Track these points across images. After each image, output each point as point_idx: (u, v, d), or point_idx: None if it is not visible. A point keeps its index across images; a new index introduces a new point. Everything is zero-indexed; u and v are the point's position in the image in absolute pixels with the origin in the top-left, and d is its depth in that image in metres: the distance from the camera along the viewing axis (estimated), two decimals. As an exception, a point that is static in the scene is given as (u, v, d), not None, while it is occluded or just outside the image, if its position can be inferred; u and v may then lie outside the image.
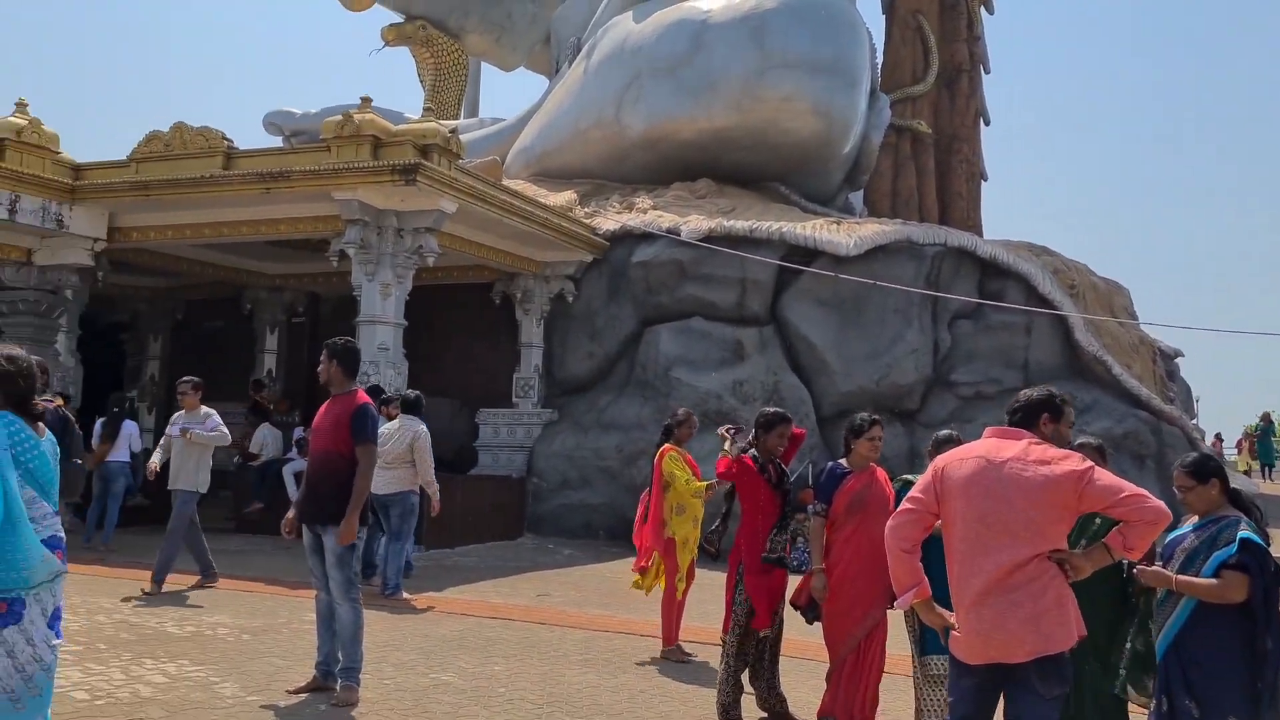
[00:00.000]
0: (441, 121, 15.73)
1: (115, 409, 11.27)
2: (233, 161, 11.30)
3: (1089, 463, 3.25)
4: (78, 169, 11.85)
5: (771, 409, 5.56)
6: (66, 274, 12.19)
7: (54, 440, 3.55)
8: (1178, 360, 16.02)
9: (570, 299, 14.08)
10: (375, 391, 8.72)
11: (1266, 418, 25.75)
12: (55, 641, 3.44)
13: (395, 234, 11.13)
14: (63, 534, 3.55)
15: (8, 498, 3.24)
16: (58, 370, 10.93)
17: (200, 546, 8.60)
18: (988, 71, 20.31)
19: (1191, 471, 3.93)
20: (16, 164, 11.17)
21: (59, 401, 6.61)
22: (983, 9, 20.03)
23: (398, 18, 22.77)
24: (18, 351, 3.45)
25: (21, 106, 11.63)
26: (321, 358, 5.43)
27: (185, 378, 8.66)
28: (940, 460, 3.47)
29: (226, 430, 8.63)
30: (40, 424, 3.46)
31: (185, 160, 11.36)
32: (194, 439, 8.29)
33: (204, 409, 8.54)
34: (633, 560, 7.13)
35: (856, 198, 18.16)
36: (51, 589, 3.49)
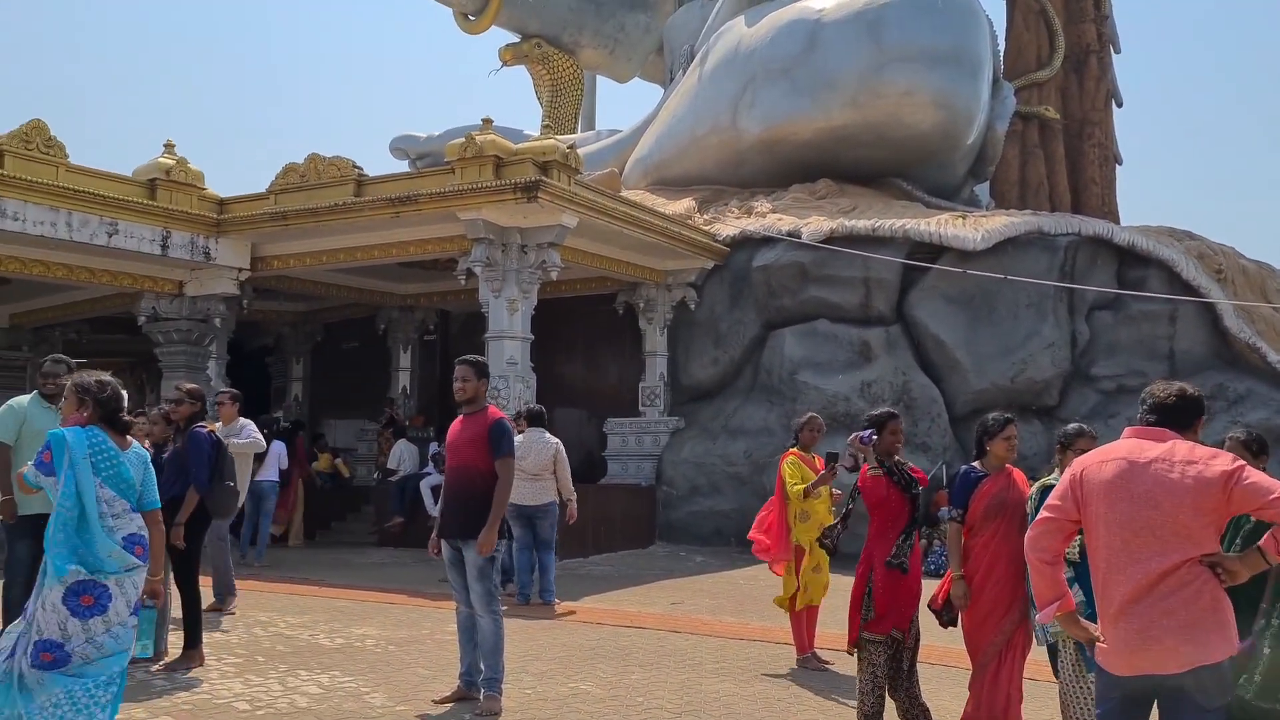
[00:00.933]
0: (559, 136, 16.02)
1: (265, 430, 11.84)
2: (363, 188, 11.75)
3: (1240, 461, 3.10)
4: (222, 203, 12.51)
5: (879, 409, 5.46)
6: (215, 303, 12.88)
7: (142, 451, 4.32)
8: (1341, 343, 15.01)
9: (693, 306, 14.11)
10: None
11: None
12: (131, 620, 4.12)
13: (519, 250, 11.37)
14: (144, 532, 4.18)
15: (82, 498, 3.98)
16: (209, 395, 11.53)
17: (224, 564, 8.22)
18: (1118, 51, 19.50)
19: None
20: (167, 201, 11.87)
21: (213, 426, 7.00)
22: (1111, -14, 19.27)
23: (514, 37, 23.27)
24: (107, 377, 4.27)
25: (169, 148, 12.35)
26: (462, 374, 5.57)
27: (222, 389, 8.94)
28: (1078, 463, 3.34)
29: (260, 437, 8.85)
30: (127, 437, 4.24)
31: (319, 190, 11.88)
32: (232, 449, 7.90)
33: (240, 420, 8.72)
34: (766, 566, 7.11)
35: (983, 190, 17.67)
36: (133, 579, 4.11)
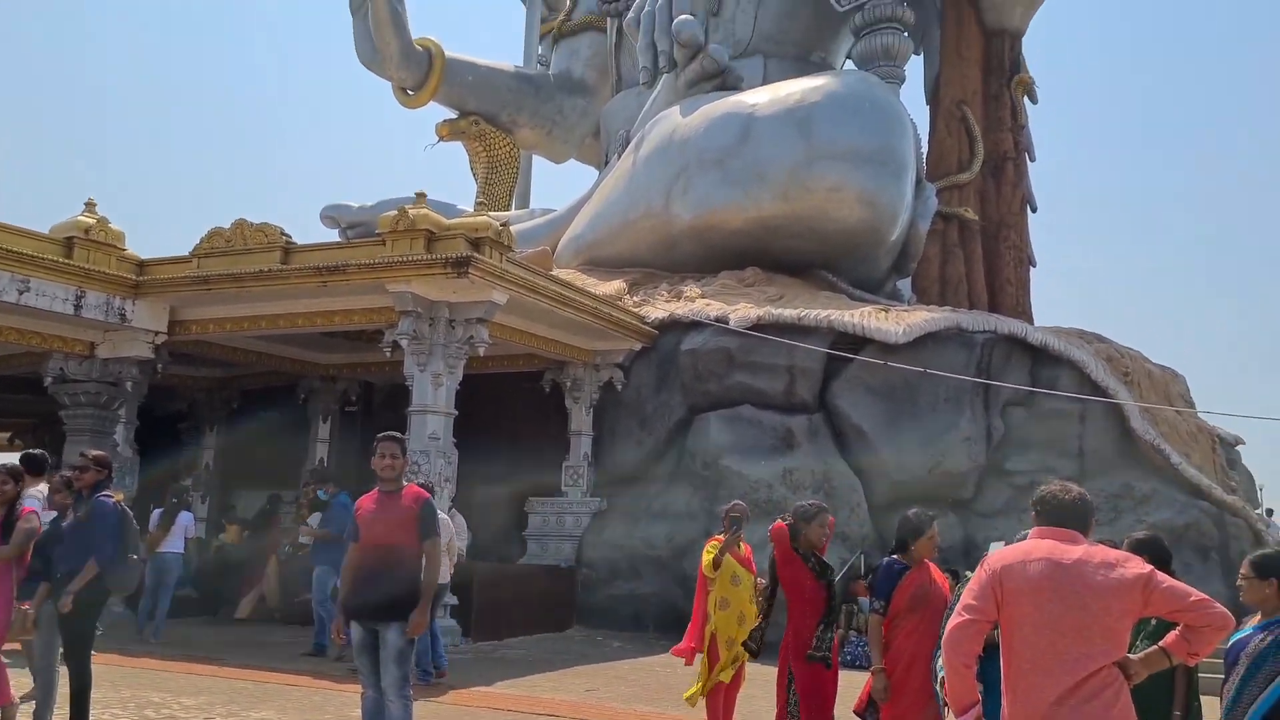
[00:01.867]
0: (493, 213, 16.09)
1: (173, 499, 11.45)
2: (291, 256, 11.62)
3: (1149, 565, 3.19)
4: (142, 265, 12.24)
5: (809, 501, 5.52)
6: (127, 366, 12.51)
7: None
8: (1238, 448, 15.61)
9: (619, 387, 14.13)
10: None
11: None
12: None
13: (447, 325, 11.31)
14: None
15: None
16: (116, 461, 11.12)
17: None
18: (1033, 159, 20.35)
19: (1255, 565, 3.86)
20: (84, 260, 11.57)
21: (120, 496, 6.73)
22: (1026, 99, 20.18)
23: (452, 113, 23.44)
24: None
25: (90, 206, 12.09)
26: (390, 450, 5.48)
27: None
28: (994, 561, 3.38)
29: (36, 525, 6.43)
30: None
31: (245, 255, 11.71)
32: None
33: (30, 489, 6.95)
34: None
35: (905, 285, 18.15)
36: None
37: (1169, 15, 74.20)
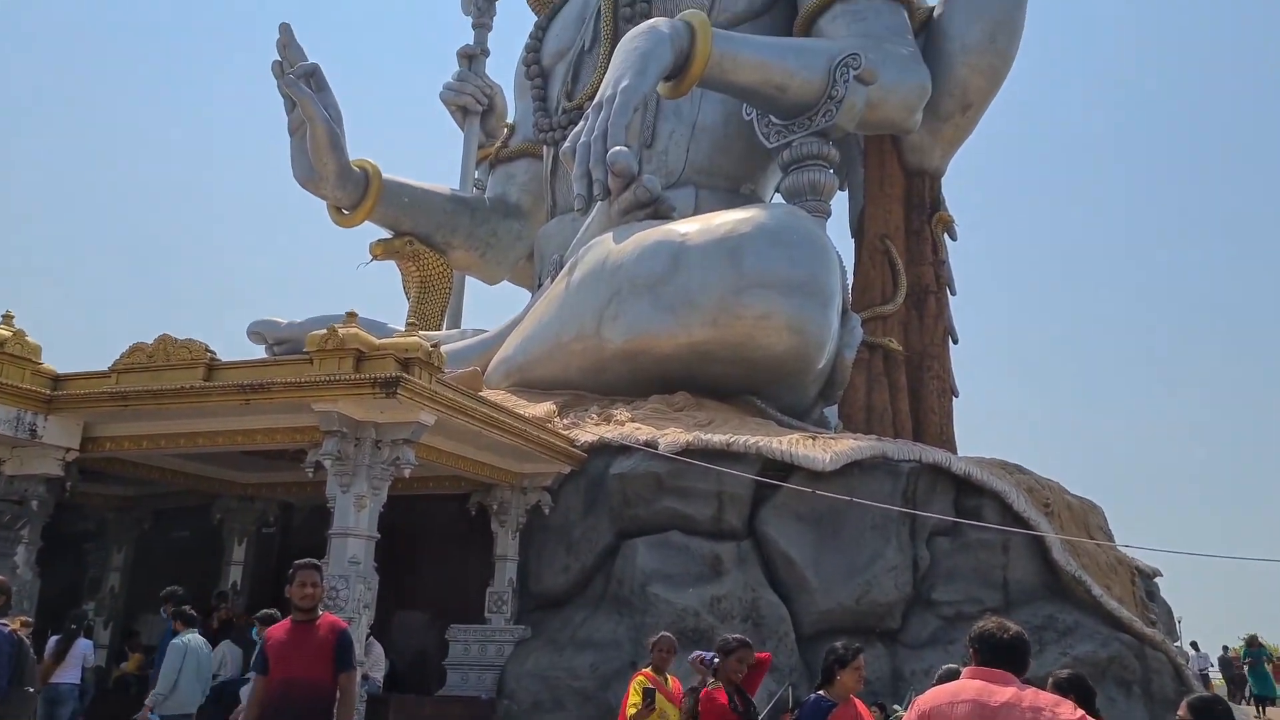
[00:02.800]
0: (424, 333, 16.06)
1: (72, 625, 10.88)
2: (214, 373, 11.39)
3: (1079, 710, 3.18)
4: (57, 379, 11.89)
5: (733, 636, 5.46)
6: (35, 484, 12.01)
7: None
8: (1157, 580, 15.87)
9: (547, 511, 13.95)
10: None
11: (1254, 641, 24.85)
12: None
13: (373, 445, 11.11)
14: None
15: None
16: (15, 585, 10.57)
17: None
18: (954, 293, 21.07)
19: (1192, 709, 3.88)
20: (-3, 373, 11.23)
21: (17, 624, 6.37)
22: (946, 235, 21.00)
23: (387, 233, 23.59)
24: None
25: (8, 319, 11.79)
26: (311, 579, 5.30)
27: None
28: (924, 702, 3.36)
29: None
30: None
31: (167, 371, 11.45)
32: None
33: None
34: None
35: (832, 413, 18.41)
36: None
37: (1084, 155, 78.45)
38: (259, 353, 21.08)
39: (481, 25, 27.38)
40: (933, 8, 20.86)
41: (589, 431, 14.51)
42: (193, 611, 10.76)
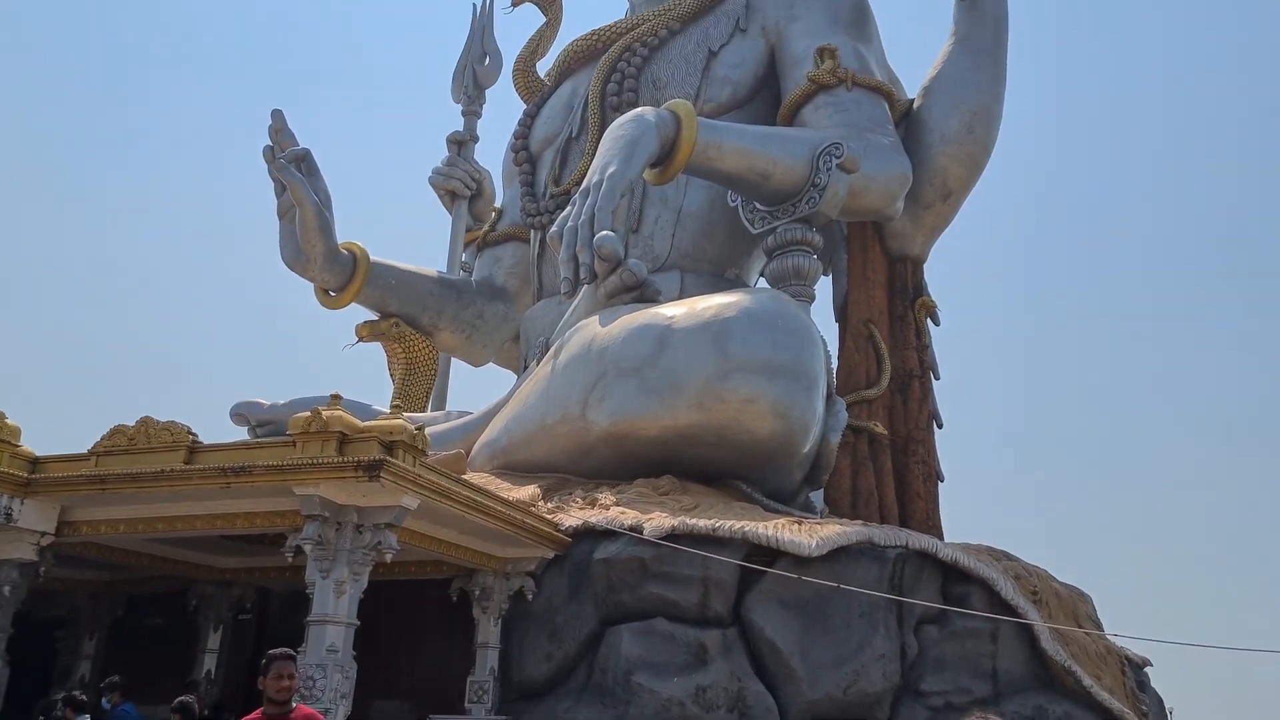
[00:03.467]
0: (408, 415, 15.97)
1: (40, 716, 10.56)
2: (195, 455, 11.27)
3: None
4: (35, 462, 11.74)
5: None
6: (8, 570, 11.74)
7: None
8: (1147, 670, 15.67)
9: (530, 596, 13.73)
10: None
11: None
12: None
13: (354, 530, 10.96)
14: None
15: None
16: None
17: None
18: (937, 377, 21.16)
19: None
20: (-26, 455, 11.08)
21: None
22: (929, 320, 21.19)
23: (373, 315, 23.66)
24: None
25: (-11, 398, 11.70)
26: (288, 670, 5.18)
27: None
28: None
29: None
30: None
31: (147, 454, 11.32)
32: None
33: None
34: None
35: (818, 497, 18.31)
36: None
37: (1068, 242, 79.71)
38: (242, 435, 20.92)
39: (472, 113, 27.89)
40: (913, 100, 21.37)
41: (573, 515, 14.37)
42: (83, 697, 10.47)
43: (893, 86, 21.40)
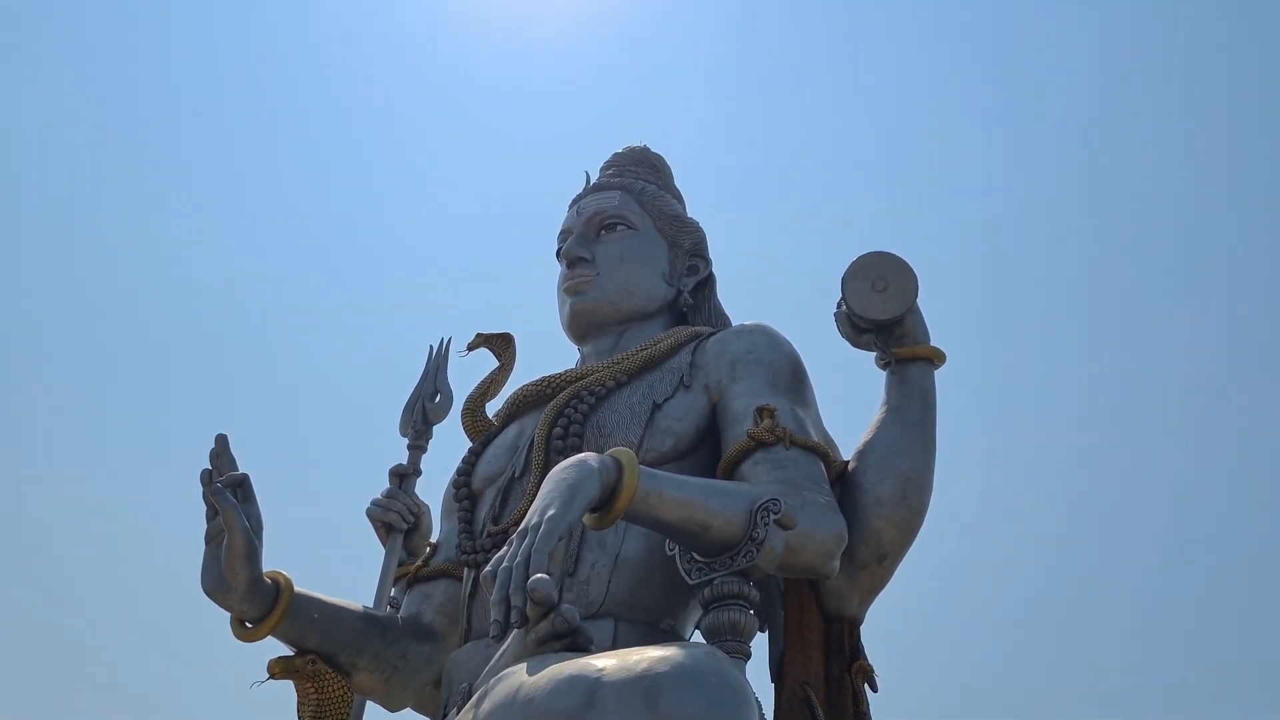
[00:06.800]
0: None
1: None
2: None
3: None
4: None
5: None
6: None
7: None
8: None
9: None
10: None
11: None
12: None
13: None
14: None
15: None
16: None
17: None
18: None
19: None
20: None
21: None
22: (867, 685, 20.64)
23: (288, 650, 22.47)
24: None
25: None
26: None
27: None
28: None
29: None
30: None
31: None
32: None
33: None
34: None
35: None
36: None
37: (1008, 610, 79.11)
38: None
39: (417, 447, 28.14)
40: (848, 461, 22.10)
41: None
42: None
43: (828, 448, 22.24)
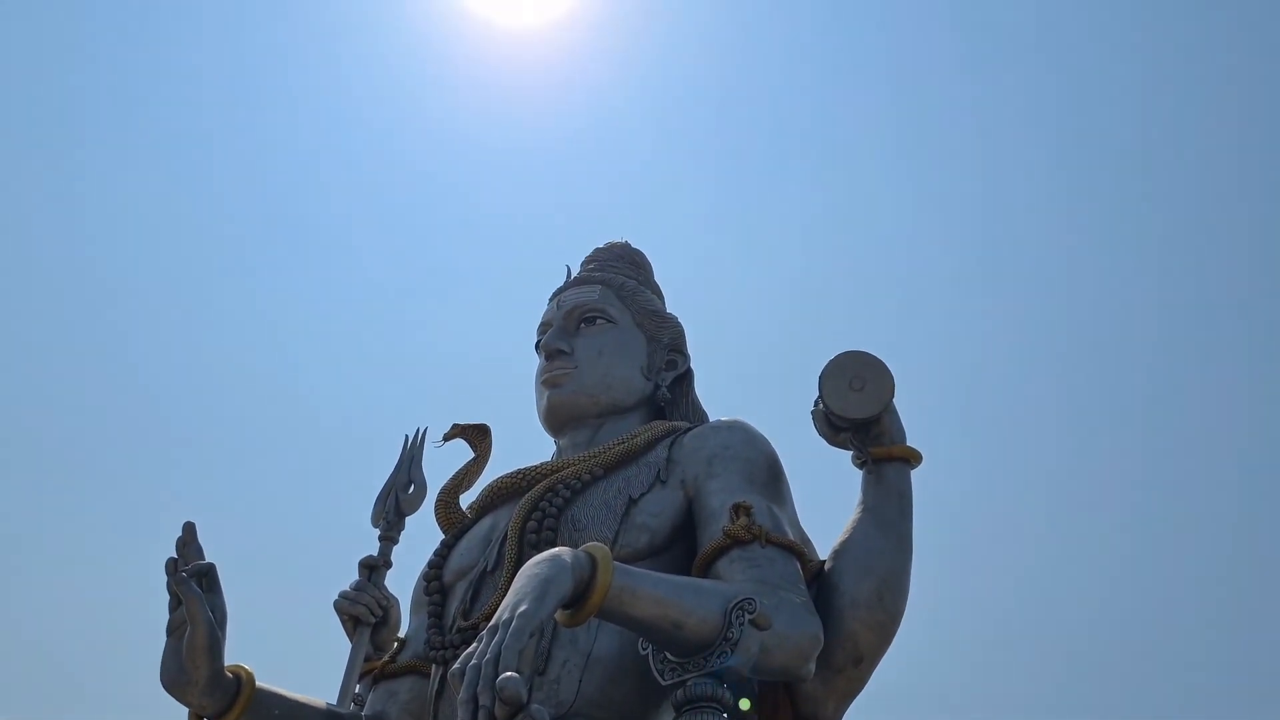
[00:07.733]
0: None
1: None
2: None
3: None
4: None
5: None
6: None
7: None
8: None
9: None
10: None
11: None
12: None
13: None
14: None
15: None
16: None
17: None
18: None
19: None
20: None
21: None
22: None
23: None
24: None
25: None
26: None
27: None
28: None
29: None
30: None
31: None
32: None
33: None
34: None
35: None
36: None
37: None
38: None
39: (388, 539, 27.63)
40: (824, 561, 21.88)
41: None
42: None
43: (804, 547, 22.04)
